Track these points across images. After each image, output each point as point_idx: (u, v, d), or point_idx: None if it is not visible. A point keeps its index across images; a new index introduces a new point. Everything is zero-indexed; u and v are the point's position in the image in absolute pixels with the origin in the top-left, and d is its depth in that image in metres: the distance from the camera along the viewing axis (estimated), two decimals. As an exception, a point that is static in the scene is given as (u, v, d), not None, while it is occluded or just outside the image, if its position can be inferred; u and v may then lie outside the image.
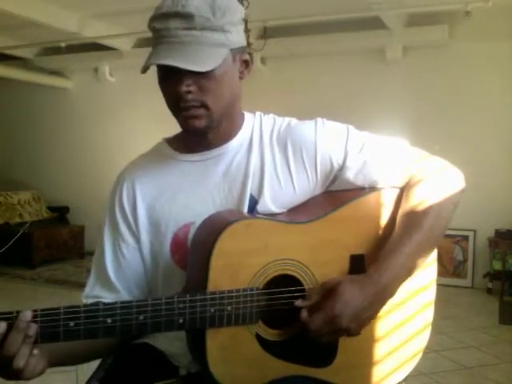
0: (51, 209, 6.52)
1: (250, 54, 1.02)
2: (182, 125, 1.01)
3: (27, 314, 0.79)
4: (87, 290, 1.08)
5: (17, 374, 0.82)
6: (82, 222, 6.32)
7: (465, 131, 4.88)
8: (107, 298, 1.05)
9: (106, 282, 1.06)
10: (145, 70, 0.94)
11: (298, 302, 0.93)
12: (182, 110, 0.97)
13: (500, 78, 4.81)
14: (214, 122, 0.99)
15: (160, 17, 0.93)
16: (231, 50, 0.96)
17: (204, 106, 0.96)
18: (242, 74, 1.02)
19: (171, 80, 0.95)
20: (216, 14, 0.92)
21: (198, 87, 0.94)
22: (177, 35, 0.92)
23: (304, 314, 0.92)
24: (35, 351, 0.81)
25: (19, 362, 0.79)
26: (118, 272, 1.06)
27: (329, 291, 0.93)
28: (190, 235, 1.01)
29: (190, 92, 0.94)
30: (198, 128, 0.99)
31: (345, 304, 0.90)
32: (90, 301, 1.04)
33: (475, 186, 4.30)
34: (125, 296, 1.06)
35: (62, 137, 6.71)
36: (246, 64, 1.02)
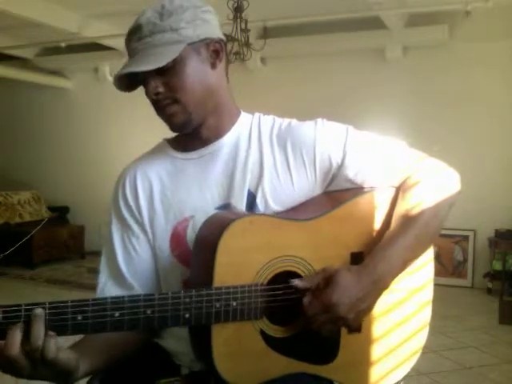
0: (51, 209, 6.53)
1: (219, 42, 1.04)
2: (168, 126, 1.06)
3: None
4: (99, 288, 1.07)
5: (38, 361, 0.78)
6: (82, 222, 6.33)
7: (465, 131, 4.89)
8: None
9: (119, 279, 1.06)
10: (120, 88, 1.02)
11: (296, 281, 0.94)
12: (159, 110, 1.03)
13: (500, 77, 4.82)
14: (192, 116, 1.02)
15: (125, 40, 1.03)
16: (191, 44, 1.00)
17: (176, 101, 1.01)
18: (214, 65, 1.04)
19: (145, 88, 1.01)
20: (163, 17, 0.99)
21: (165, 86, 1.00)
22: (134, 48, 1.00)
23: (305, 298, 0.93)
24: (51, 332, 0.79)
25: (37, 341, 0.77)
26: (130, 266, 1.06)
27: (327, 279, 0.94)
28: (189, 230, 1.03)
29: (158, 93, 1.00)
30: (178, 124, 1.03)
31: (342, 293, 0.91)
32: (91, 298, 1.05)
33: (475, 185, 4.34)
34: (139, 291, 1.05)
35: (62, 137, 6.71)
36: (217, 54, 1.04)
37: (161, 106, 1.01)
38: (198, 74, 1.02)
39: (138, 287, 1.06)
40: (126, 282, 1.05)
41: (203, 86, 1.03)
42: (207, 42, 1.02)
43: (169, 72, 0.98)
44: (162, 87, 0.99)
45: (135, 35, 0.99)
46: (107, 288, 1.06)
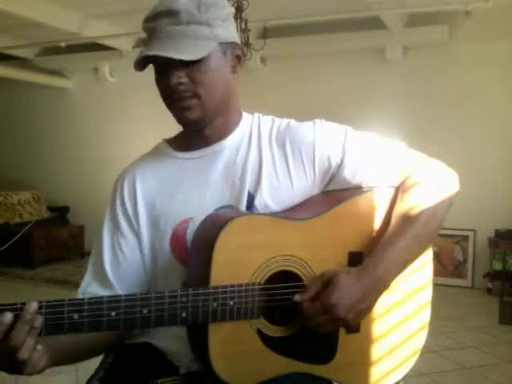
0: (51, 209, 6.52)
1: (241, 49, 1.05)
2: (176, 117, 1.04)
3: (33, 305, 0.79)
4: (83, 286, 1.07)
5: (20, 368, 0.81)
6: (81, 222, 6.33)
7: (464, 131, 4.88)
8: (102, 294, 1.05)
9: (103, 280, 1.06)
10: (136, 65, 0.98)
11: (297, 297, 0.94)
12: (175, 101, 1.00)
13: (500, 77, 4.81)
14: (206, 114, 1.01)
15: (151, 17, 0.99)
16: (221, 44, 1.00)
17: (196, 96, 0.99)
18: (235, 69, 1.05)
19: (164, 74, 0.98)
20: (201, 9, 0.97)
21: (189, 78, 0.98)
22: (165, 31, 0.97)
23: (304, 304, 0.93)
24: (39, 346, 0.81)
25: (24, 354, 0.79)
26: (116, 269, 1.06)
27: (326, 282, 0.94)
28: (189, 230, 1.02)
29: (181, 83, 0.97)
30: (191, 119, 1.01)
31: (342, 294, 0.92)
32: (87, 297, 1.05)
33: (475, 186, 4.34)
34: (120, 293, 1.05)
35: (62, 137, 6.71)
36: (238, 59, 1.05)
37: (179, 98, 0.99)
38: (220, 74, 1.01)
39: (121, 291, 1.05)
40: (110, 284, 1.05)
41: (223, 87, 1.02)
42: (233, 46, 1.03)
43: (195, 66, 0.97)
44: (186, 79, 0.97)
45: (168, 18, 0.96)
46: (90, 288, 1.06)
